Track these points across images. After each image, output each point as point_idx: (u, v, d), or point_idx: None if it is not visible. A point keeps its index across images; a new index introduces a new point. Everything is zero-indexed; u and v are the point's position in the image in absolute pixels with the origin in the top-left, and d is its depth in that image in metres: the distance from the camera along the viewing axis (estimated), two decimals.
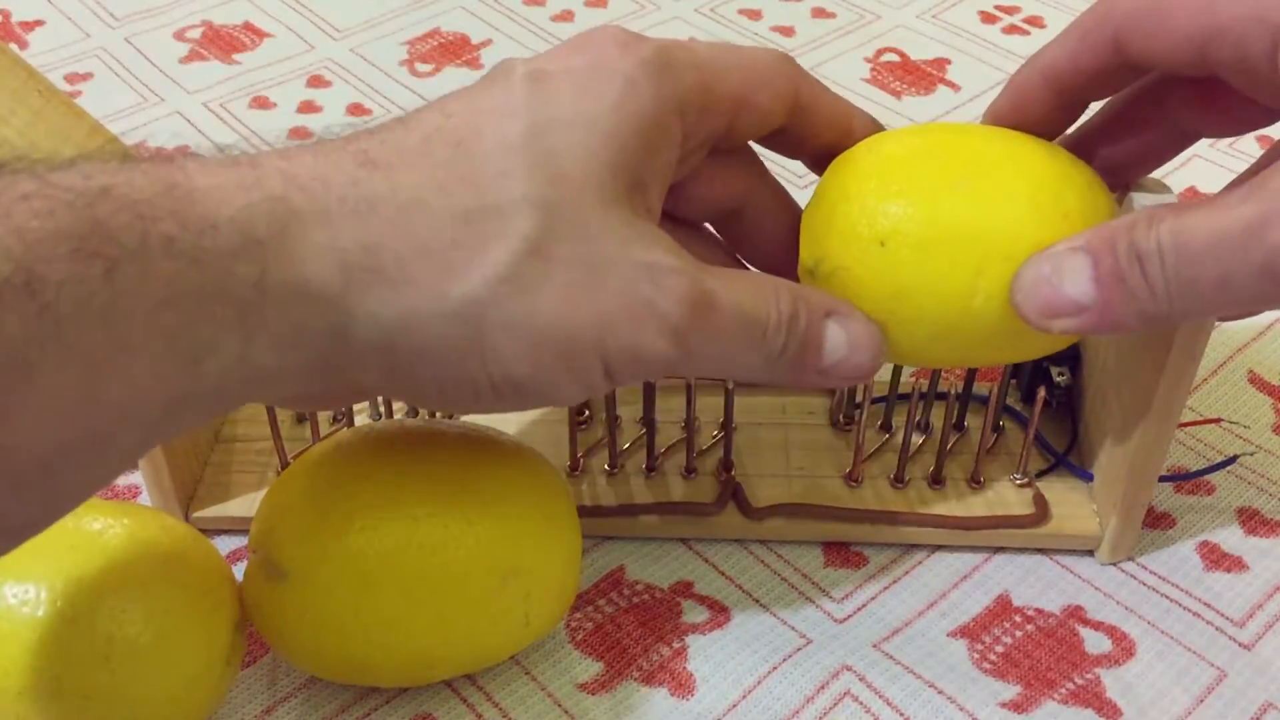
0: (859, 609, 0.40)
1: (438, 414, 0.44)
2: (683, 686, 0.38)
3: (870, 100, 0.65)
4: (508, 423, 0.41)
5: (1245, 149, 0.60)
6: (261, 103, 0.65)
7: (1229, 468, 0.45)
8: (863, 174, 0.34)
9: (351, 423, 0.43)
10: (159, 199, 0.24)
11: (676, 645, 0.39)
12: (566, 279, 0.28)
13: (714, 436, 0.44)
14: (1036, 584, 0.41)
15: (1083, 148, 0.36)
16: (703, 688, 0.38)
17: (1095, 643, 0.39)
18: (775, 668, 0.39)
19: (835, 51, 0.69)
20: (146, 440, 0.26)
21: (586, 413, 0.45)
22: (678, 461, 0.43)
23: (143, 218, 0.24)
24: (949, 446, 0.43)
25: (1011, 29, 0.70)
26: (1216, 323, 0.36)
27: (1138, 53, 0.32)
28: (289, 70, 0.67)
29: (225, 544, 0.42)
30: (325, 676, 0.37)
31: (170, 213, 0.24)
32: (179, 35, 0.70)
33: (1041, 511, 0.41)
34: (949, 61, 0.68)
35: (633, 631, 0.40)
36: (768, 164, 0.38)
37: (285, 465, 0.42)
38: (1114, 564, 0.42)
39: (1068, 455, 0.43)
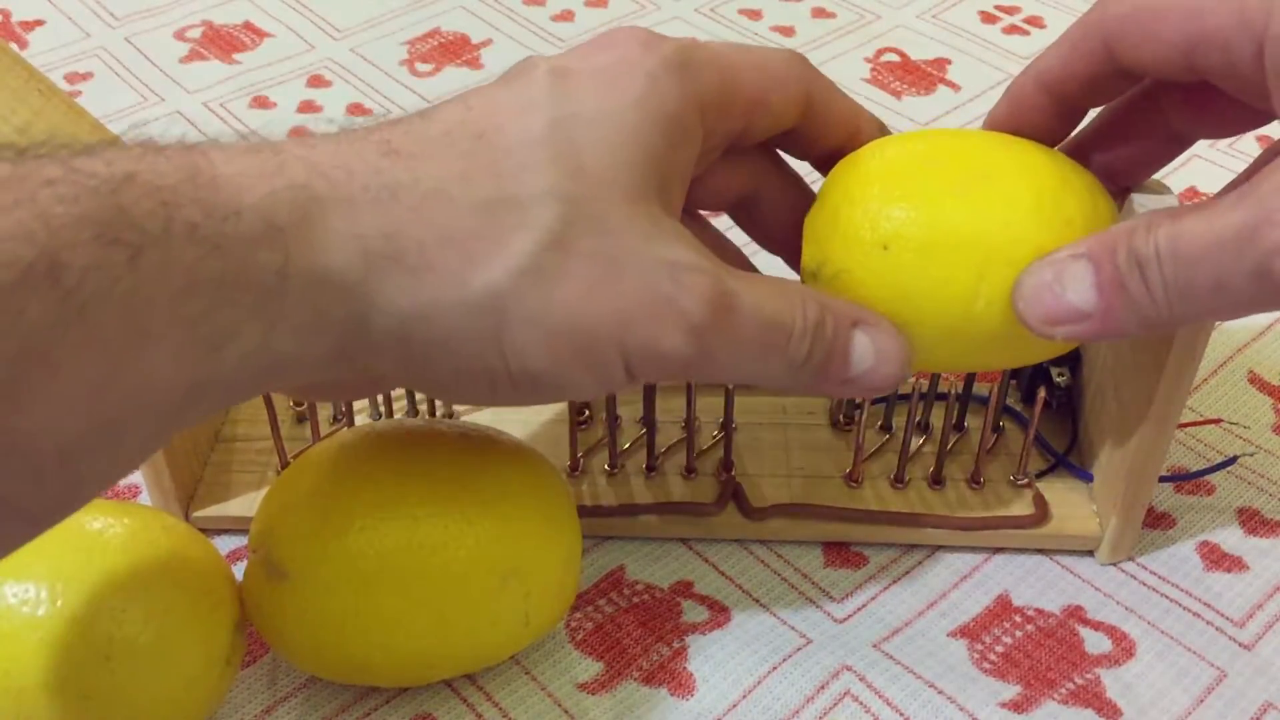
0: (859, 609, 0.40)
1: (439, 412, 0.44)
2: (683, 686, 0.38)
3: (870, 100, 0.65)
4: (508, 423, 0.41)
5: (1245, 149, 0.60)
6: (261, 102, 0.65)
7: (1229, 468, 0.45)
8: (866, 178, 0.34)
9: (351, 423, 0.43)
10: (182, 185, 0.24)
11: (676, 645, 0.39)
12: (587, 273, 0.28)
13: (714, 436, 0.44)
14: (1036, 584, 0.41)
15: (1081, 153, 0.36)
16: (703, 688, 0.38)
17: (1095, 643, 0.39)
18: (775, 668, 0.39)
19: (835, 51, 0.69)
20: (166, 427, 0.26)
21: (586, 413, 0.45)
22: (678, 461, 0.43)
23: (166, 204, 0.24)
24: (949, 447, 0.43)
25: (1011, 29, 0.70)
26: (1216, 323, 0.36)
27: (1128, 60, 0.32)
28: (289, 70, 0.67)
29: (225, 544, 0.42)
30: (325, 676, 0.37)
31: (193, 199, 0.24)
32: (179, 35, 0.70)
33: (1041, 512, 0.41)
34: (949, 61, 0.68)
35: (633, 631, 0.40)
36: None
37: (285, 465, 0.42)
38: (1114, 564, 0.42)
39: (1068, 455, 0.43)
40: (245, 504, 0.42)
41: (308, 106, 0.64)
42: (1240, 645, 0.39)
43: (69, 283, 0.22)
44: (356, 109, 0.64)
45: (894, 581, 0.41)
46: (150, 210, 0.24)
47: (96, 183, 0.23)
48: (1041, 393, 0.40)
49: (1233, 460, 0.45)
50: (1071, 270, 0.31)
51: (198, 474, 0.43)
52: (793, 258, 0.37)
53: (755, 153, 0.36)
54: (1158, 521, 0.43)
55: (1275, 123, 0.34)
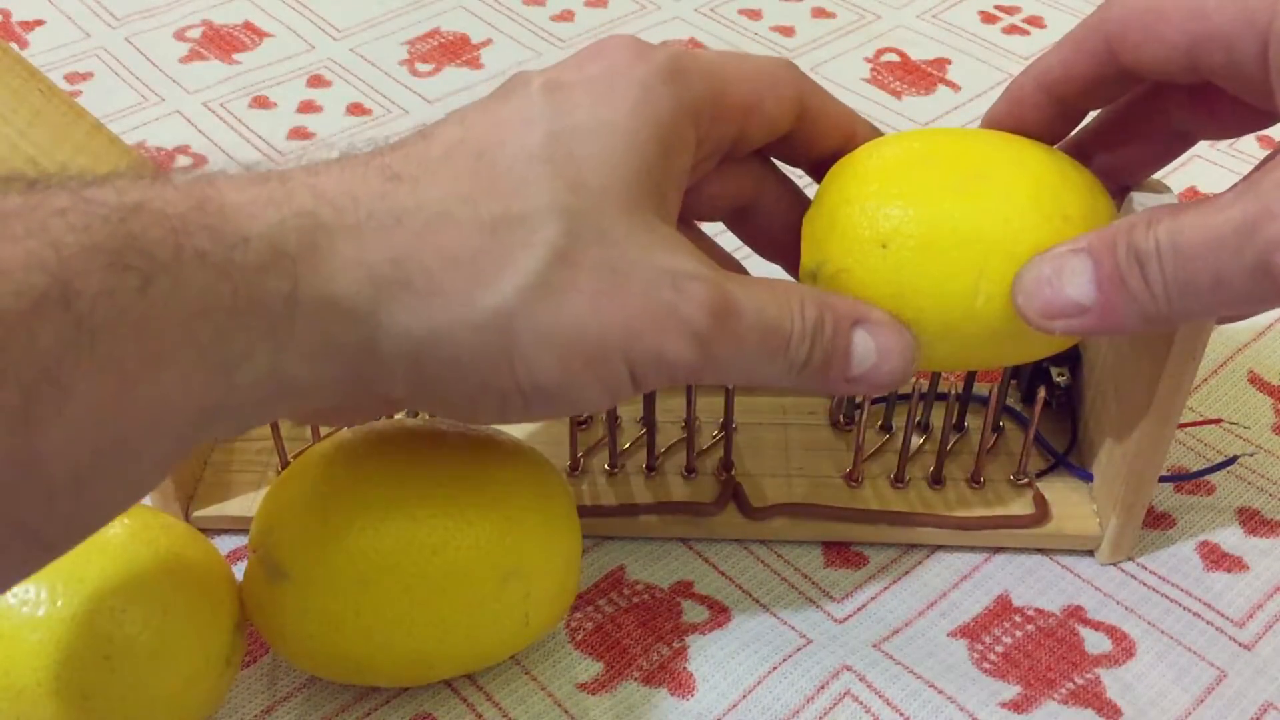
0: (859, 609, 0.40)
1: None
2: (683, 686, 0.38)
3: (870, 100, 0.65)
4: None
5: (1245, 149, 0.60)
6: (261, 102, 0.65)
7: (1229, 468, 0.45)
8: (863, 177, 0.34)
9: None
10: (191, 214, 0.25)
11: (676, 645, 0.39)
12: (593, 285, 0.28)
13: (714, 436, 0.44)
14: (1036, 584, 0.41)
15: (1081, 152, 0.36)
16: (703, 688, 0.38)
17: (1095, 643, 0.39)
18: (775, 668, 0.39)
19: (835, 51, 0.69)
20: (176, 452, 0.26)
21: (586, 413, 0.45)
22: (678, 461, 0.43)
23: (176, 232, 0.24)
24: (949, 447, 0.43)
25: (1011, 29, 0.70)
26: (1215, 324, 0.36)
27: (1131, 61, 0.32)
28: (289, 70, 0.67)
29: (225, 544, 0.42)
30: (325, 676, 0.37)
31: (202, 227, 0.25)
32: (179, 35, 0.70)
33: (1041, 511, 0.41)
34: (949, 61, 0.68)
35: (633, 631, 0.40)
36: None
37: (285, 465, 0.42)
38: (1114, 564, 0.42)
39: (1068, 455, 0.43)
40: (245, 504, 0.42)
41: (308, 106, 0.64)
42: (1240, 645, 0.39)
43: (81, 309, 0.23)
44: (356, 109, 0.64)
45: (894, 581, 0.41)
46: (160, 238, 0.24)
47: (107, 211, 0.24)
48: (1041, 392, 0.40)
49: (1233, 460, 0.45)
50: (1071, 264, 0.31)
51: (198, 474, 0.43)
52: (791, 264, 0.37)
53: (750, 161, 0.37)
54: (1158, 521, 0.43)
55: (1277, 125, 0.34)
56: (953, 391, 0.43)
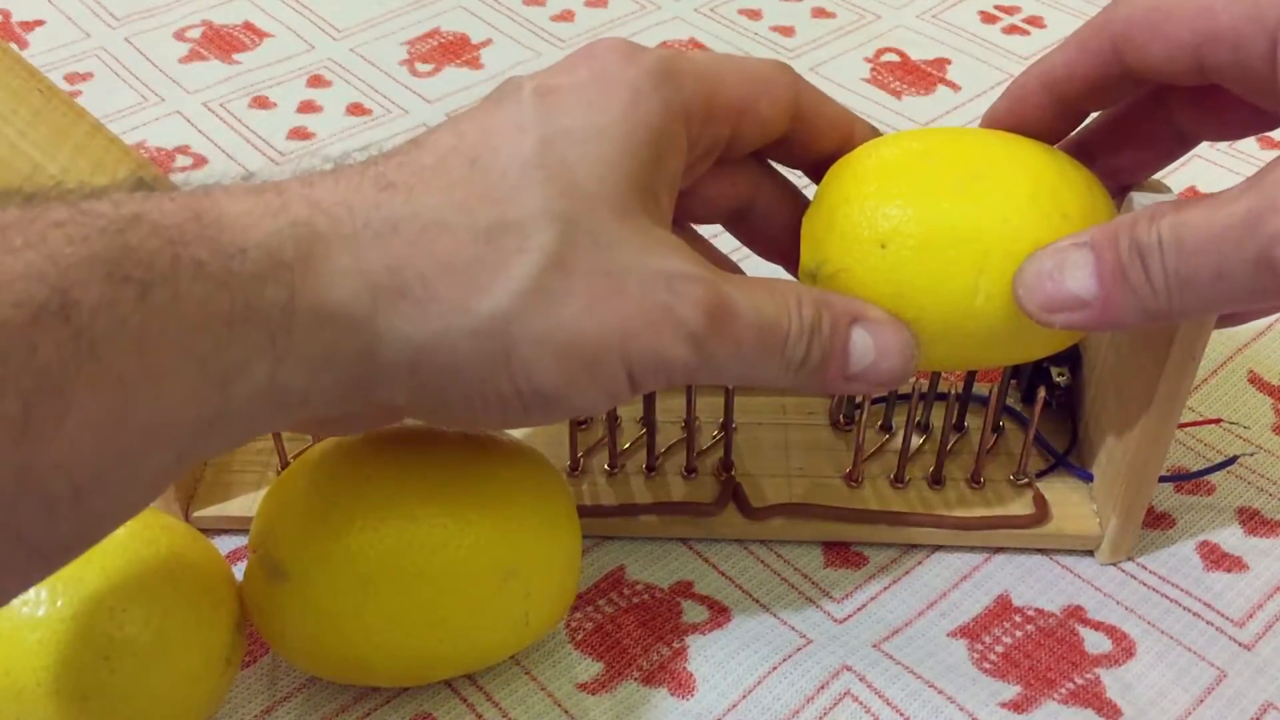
0: (859, 609, 0.40)
1: None
2: (683, 686, 0.38)
3: (870, 100, 0.65)
4: None
5: (1245, 149, 0.60)
6: (261, 103, 0.65)
7: (1229, 468, 0.45)
8: (862, 177, 0.34)
9: None
10: (188, 225, 0.25)
11: (676, 645, 0.39)
12: (588, 289, 0.28)
13: (714, 436, 0.44)
14: (1036, 584, 0.41)
15: (1083, 152, 0.36)
16: (703, 688, 0.38)
17: (1095, 643, 0.39)
18: (775, 668, 0.39)
19: (835, 51, 0.69)
20: (177, 463, 0.26)
21: None
22: (678, 461, 0.43)
23: (173, 243, 0.24)
24: (949, 447, 0.43)
25: (1011, 29, 0.70)
26: (1215, 327, 0.36)
27: (1135, 60, 0.32)
28: (289, 70, 0.67)
29: (225, 544, 0.42)
30: (325, 676, 0.37)
31: (199, 238, 0.25)
32: (179, 35, 0.70)
33: (1041, 511, 0.41)
34: (949, 61, 0.68)
35: (633, 631, 0.40)
36: None
37: (285, 465, 0.42)
38: (1114, 564, 0.42)
39: (1068, 455, 0.43)
40: (245, 504, 0.42)
41: (308, 106, 0.64)
42: (1240, 645, 0.39)
43: (80, 321, 0.23)
44: (356, 109, 0.64)
45: (894, 581, 0.41)
46: (158, 249, 0.24)
47: (104, 223, 0.24)
48: (1041, 392, 0.40)
49: (1233, 460, 0.45)
50: (1072, 258, 0.31)
51: (197, 474, 0.43)
52: (791, 265, 0.37)
53: (746, 163, 0.37)
54: (1158, 521, 0.43)
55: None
56: (953, 391, 0.43)
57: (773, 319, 0.31)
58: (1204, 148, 0.59)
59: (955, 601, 0.41)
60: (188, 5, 0.73)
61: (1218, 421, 0.46)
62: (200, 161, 0.61)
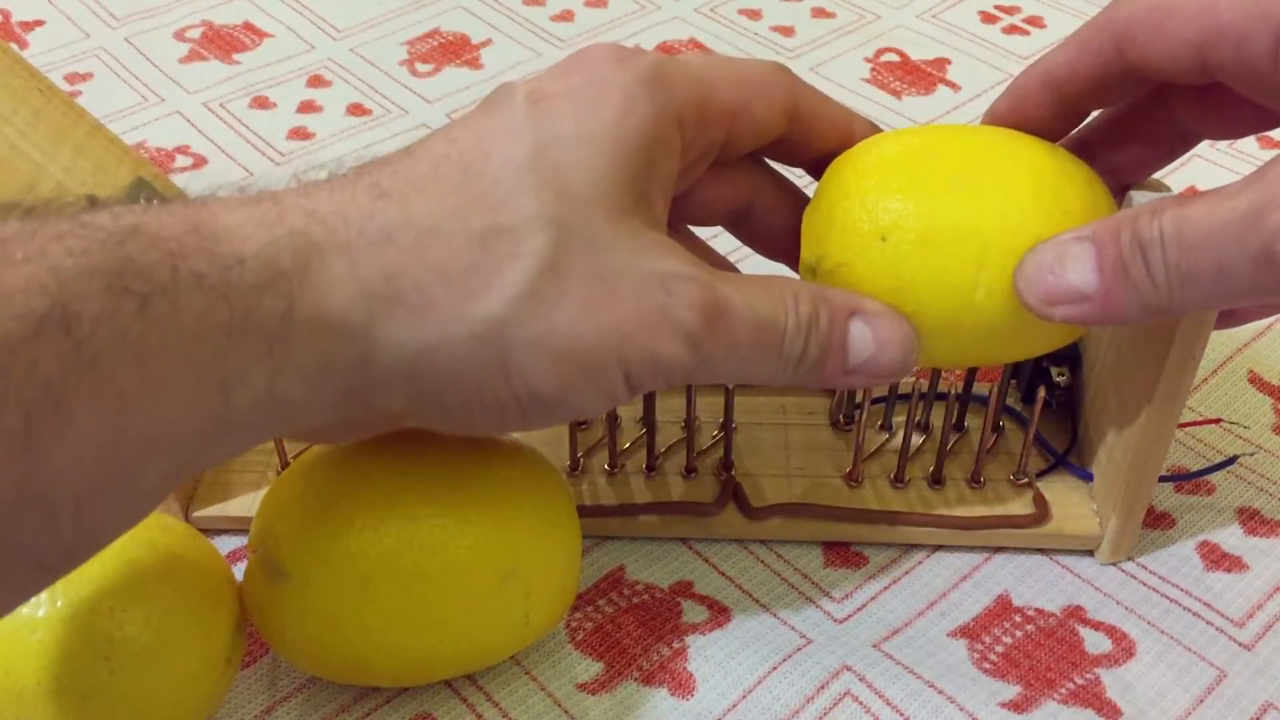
0: (859, 609, 0.40)
1: None
2: (683, 686, 0.38)
3: (870, 100, 0.65)
4: None
5: (1245, 149, 0.60)
6: (261, 103, 0.65)
7: (1229, 468, 0.45)
8: (863, 172, 0.34)
9: None
10: (186, 236, 0.25)
11: (676, 645, 0.39)
12: (582, 293, 0.29)
13: (714, 436, 0.44)
14: (1036, 584, 0.41)
15: (1084, 150, 0.36)
16: (703, 688, 0.38)
17: (1095, 643, 0.39)
18: (775, 668, 0.39)
19: (835, 51, 0.69)
20: (176, 474, 0.27)
21: None
22: (678, 461, 0.43)
23: (172, 254, 0.25)
24: (949, 446, 0.43)
25: (1011, 29, 0.70)
26: (1214, 328, 0.36)
27: (1138, 58, 0.32)
28: (289, 70, 0.67)
29: (225, 544, 0.42)
30: (325, 676, 0.37)
31: (198, 249, 0.25)
32: (179, 35, 0.70)
33: (1041, 511, 0.41)
34: (949, 61, 0.68)
35: (633, 631, 0.40)
36: None
37: (285, 465, 0.42)
38: (1114, 564, 0.42)
39: (1068, 455, 0.43)
40: (245, 504, 0.42)
41: (308, 107, 0.64)
42: (1240, 645, 0.39)
43: (81, 333, 0.23)
44: (356, 109, 0.64)
45: (894, 581, 0.41)
46: (157, 260, 0.24)
47: (104, 235, 0.24)
48: (1041, 392, 0.40)
49: (1233, 460, 0.45)
50: (1073, 251, 0.31)
51: (197, 474, 0.43)
52: (793, 264, 0.37)
53: (743, 164, 0.37)
54: (1158, 521, 0.43)
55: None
56: (952, 391, 0.43)
57: (769, 316, 0.31)
58: (1204, 147, 0.59)
59: (955, 601, 0.41)
60: (188, 5, 0.73)
61: (1218, 421, 0.46)
62: (200, 161, 0.61)
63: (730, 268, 0.39)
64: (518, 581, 0.35)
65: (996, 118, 0.36)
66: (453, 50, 0.69)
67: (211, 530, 0.42)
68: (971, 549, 0.42)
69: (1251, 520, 0.43)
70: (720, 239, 0.40)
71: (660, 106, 0.31)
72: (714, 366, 0.31)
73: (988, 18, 0.71)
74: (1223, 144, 0.60)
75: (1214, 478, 0.45)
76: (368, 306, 0.27)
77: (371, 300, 0.27)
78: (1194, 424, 0.46)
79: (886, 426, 0.45)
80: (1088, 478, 0.42)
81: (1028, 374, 0.44)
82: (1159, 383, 0.36)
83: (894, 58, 0.68)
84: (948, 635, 0.40)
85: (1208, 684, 0.38)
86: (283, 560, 0.34)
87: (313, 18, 0.72)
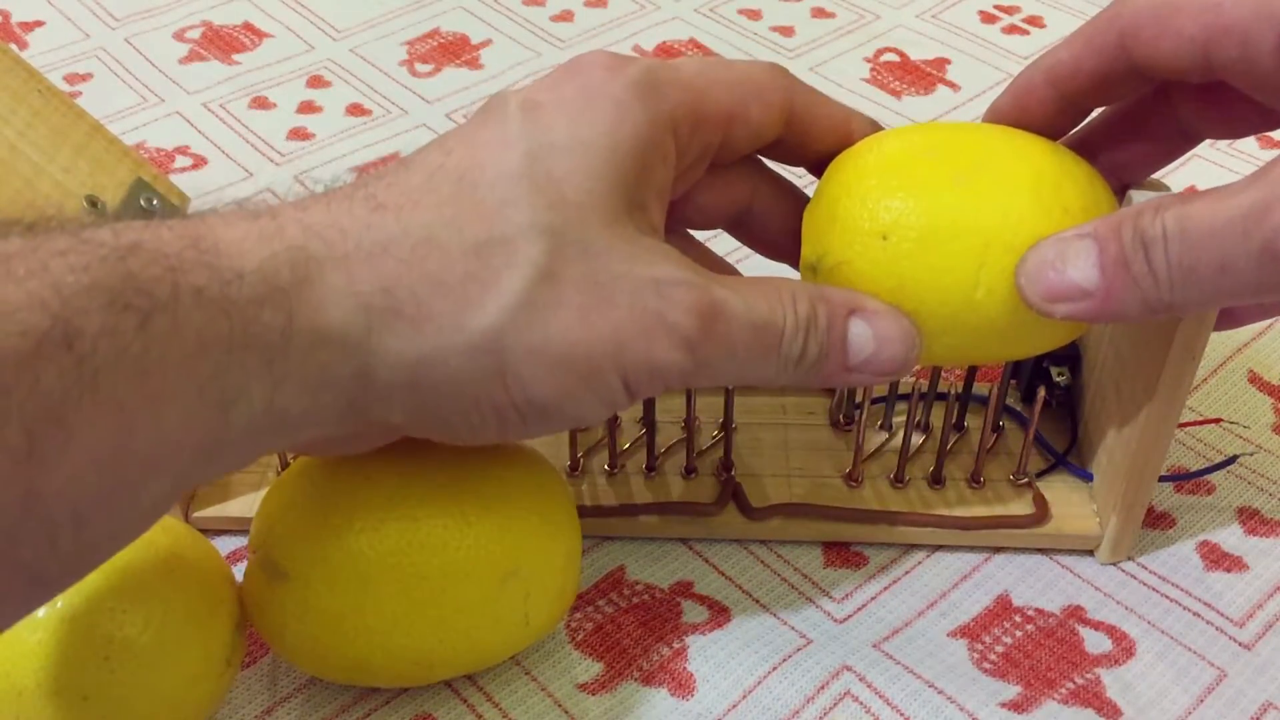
0: (859, 609, 0.40)
1: None
2: (683, 686, 0.38)
3: (870, 100, 0.65)
4: None
5: (1245, 149, 0.60)
6: (261, 103, 0.65)
7: (1229, 468, 0.45)
8: (864, 170, 0.34)
9: None
10: (186, 252, 0.25)
11: (676, 645, 0.39)
12: (579, 300, 0.29)
13: (714, 436, 0.44)
14: (1036, 584, 0.41)
15: (1086, 149, 0.36)
16: (703, 688, 0.38)
17: (1095, 643, 0.39)
18: (775, 668, 0.39)
19: (835, 51, 0.69)
20: (176, 488, 0.27)
21: None
22: (678, 461, 0.43)
23: (173, 270, 0.25)
24: (949, 446, 0.43)
25: (1011, 29, 0.70)
26: (1214, 330, 0.36)
27: (1142, 56, 0.32)
28: (289, 70, 0.67)
29: (225, 544, 0.42)
30: (325, 676, 0.37)
31: (198, 264, 0.25)
32: (179, 35, 0.70)
33: (1041, 511, 0.41)
34: (949, 61, 0.68)
35: (633, 631, 0.40)
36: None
37: (285, 465, 0.42)
38: (1114, 564, 0.42)
39: (1068, 455, 0.43)
40: (245, 504, 0.42)
41: (308, 107, 0.64)
42: (1240, 645, 0.39)
43: (82, 349, 0.23)
44: (356, 109, 0.64)
45: (894, 581, 0.41)
46: (157, 276, 0.24)
47: (105, 251, 0.24)
48: (1041, 392, 0.40)
49: (1233, 460, 0.45)
50: (1075, 248, 0.31)
51: None
52: (794, 264, 0.37)
53: (741, 166, 0.37)
54: (1158, 521, 0.43)
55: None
56: (952, 391, 0.43)
57: (767, 317, 0.31)
58: (1204, 147, 0.59)
59: (955, 601, 0.41)
60: (188, 5, 0.73)
61: (1218, 421, 0.46)
62: (200, 162, 0.61)
63: (730, 269, 0.39)
64: (518, 582, 0.35)
65: (999, 114, 0.36)
66: (452, 50, 0.69)
67: (211, 530, 0.42)
68: (971, 549, 0.42)
69: (1251, 520, 0.43)
70: (720, 240, 0.40)
71: (653, 113, 0.31)
72: (712, 369, 0.31)
73: (987, 17, 0.71)
74: (1223, 144, 0.60)
75: (1214, 477, 0.45)
76: (366, 319, 0.27)
77: (370, 312, 0.27)
78: (1194, 424, 0.46)
79: (886, 426, 0.45)
80: (1088, 478, 0.42)
81: (1028, 374, 0.44)
82: (1159, 383, 0.36)
83: (894, 58, 0.68)
84: (948, 635, 0.40)
85: (1208, 684, 0.38)
86: (283, 560, 0.34)
87: (312, 18, 0.72)
